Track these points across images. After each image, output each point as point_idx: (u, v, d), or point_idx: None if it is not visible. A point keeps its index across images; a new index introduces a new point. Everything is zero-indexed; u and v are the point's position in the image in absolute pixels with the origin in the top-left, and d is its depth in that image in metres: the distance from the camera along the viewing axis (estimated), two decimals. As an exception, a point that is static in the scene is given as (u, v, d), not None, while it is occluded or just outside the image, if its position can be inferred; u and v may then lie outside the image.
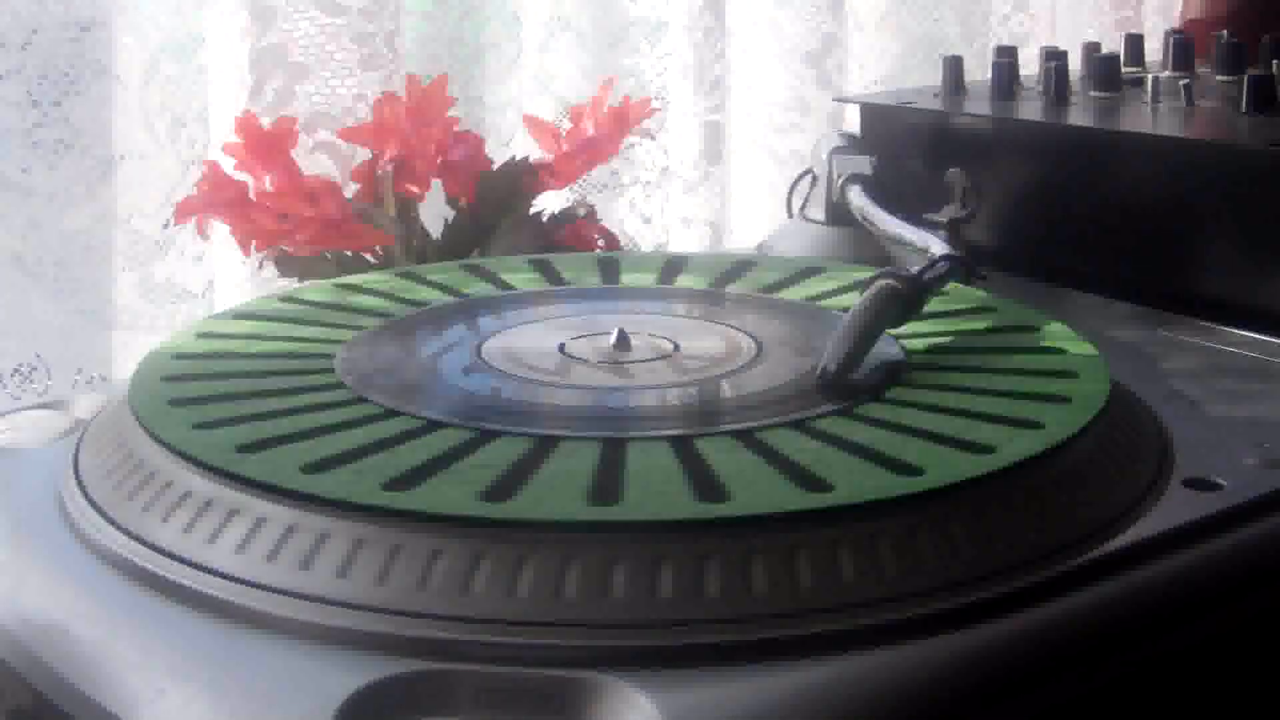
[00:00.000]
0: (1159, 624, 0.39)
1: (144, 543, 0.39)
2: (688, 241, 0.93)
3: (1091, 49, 0.81)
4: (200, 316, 0.69)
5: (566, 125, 0.73)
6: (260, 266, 0.69)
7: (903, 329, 0.51)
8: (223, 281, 0.74)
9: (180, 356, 0.49)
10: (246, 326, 0.52)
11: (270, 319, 0.53)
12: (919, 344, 0.50)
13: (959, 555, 0.37)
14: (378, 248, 0.66)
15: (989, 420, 0.43)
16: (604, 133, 0.70)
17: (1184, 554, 0.40)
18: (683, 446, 0.41)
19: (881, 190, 0.67)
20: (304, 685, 0.33)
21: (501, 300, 0.56)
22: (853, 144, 0.70)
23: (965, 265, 0.56)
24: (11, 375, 0.69)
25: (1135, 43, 0.83)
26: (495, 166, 0.69)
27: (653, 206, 0.93)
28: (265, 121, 0.66)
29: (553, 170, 0.70)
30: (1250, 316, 0.59)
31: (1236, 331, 0.58)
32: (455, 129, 0.67)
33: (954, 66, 0.77)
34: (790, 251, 0.68)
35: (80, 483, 0.42)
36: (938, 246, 0.57)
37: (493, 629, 0.34)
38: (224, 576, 0.37)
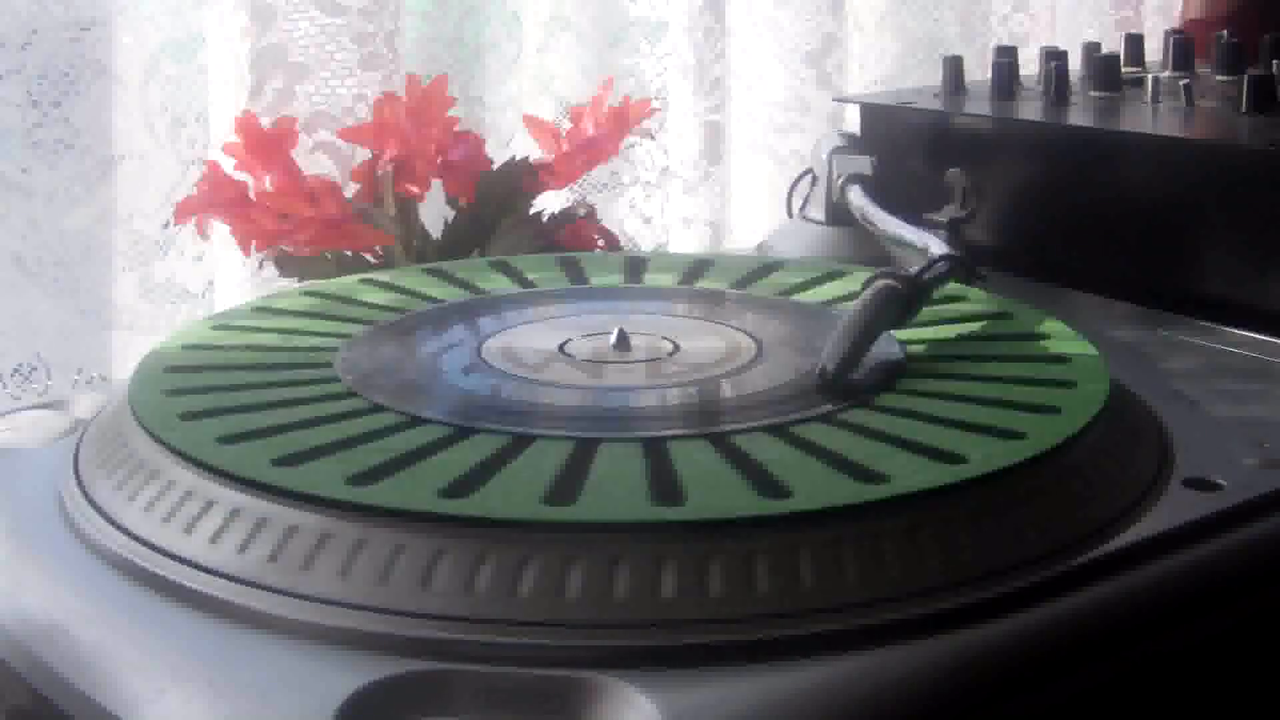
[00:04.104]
0: (1159, 624, 0.39)
1: (144, 543, 0.39)
2: (688, 241, 0.93)
3: (1091, 49, 0.81)
4: (200, 316, 0.69)
5: (566, 125, 0.73)
6: (260, 266, 0.69)
7: (902, 329, 0.51)
8: (223, 281, 0.74)
9: (180, 356, 0.49)
10: (246, 326, 0.52)
11: (270, 319, 0.53)
12: (918, 343, 0.50)
13: (959, 555, 0.37)
14: (378, 248, 0.66)
15: (988, 419, 0.43)
16: (604, 133, 0.70)
17: (1184, 554, 0.40)
18: (696, 445, 0.41)
19: (881, 190, 0.67)
20: (304, 685, 0.33)
21: (500, 301, 0.56)
22: (853, 144, 0.70)
23: (965, 265, 0.56)
24: (11, 375, 0.69)
25: (1135, 43, 0.83)
26: (495, 166, 0.69)
27: (653, 206, 0.93)
28: (265, 121, 0.66)
29: (553, 170, 0.70)
30: (1250, 316, 0.59)
31: (1236, 331, 0.58)
32: (455, 129, 0.67)
33: (954, 66, 0.77)
34: (790, 251, 0.68)
35: (80, 483, 0.42)
36: (937, 246, 0.57)
37: (493, 629, 0.34)
38: (224, 576, 0.37)
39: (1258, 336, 0.58)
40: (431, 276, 0.58)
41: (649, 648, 0.34)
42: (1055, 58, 0.75)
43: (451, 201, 0.68)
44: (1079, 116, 0.70)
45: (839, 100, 0.90)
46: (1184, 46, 0.79)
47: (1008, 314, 0.54)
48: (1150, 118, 0.69)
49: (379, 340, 0.51)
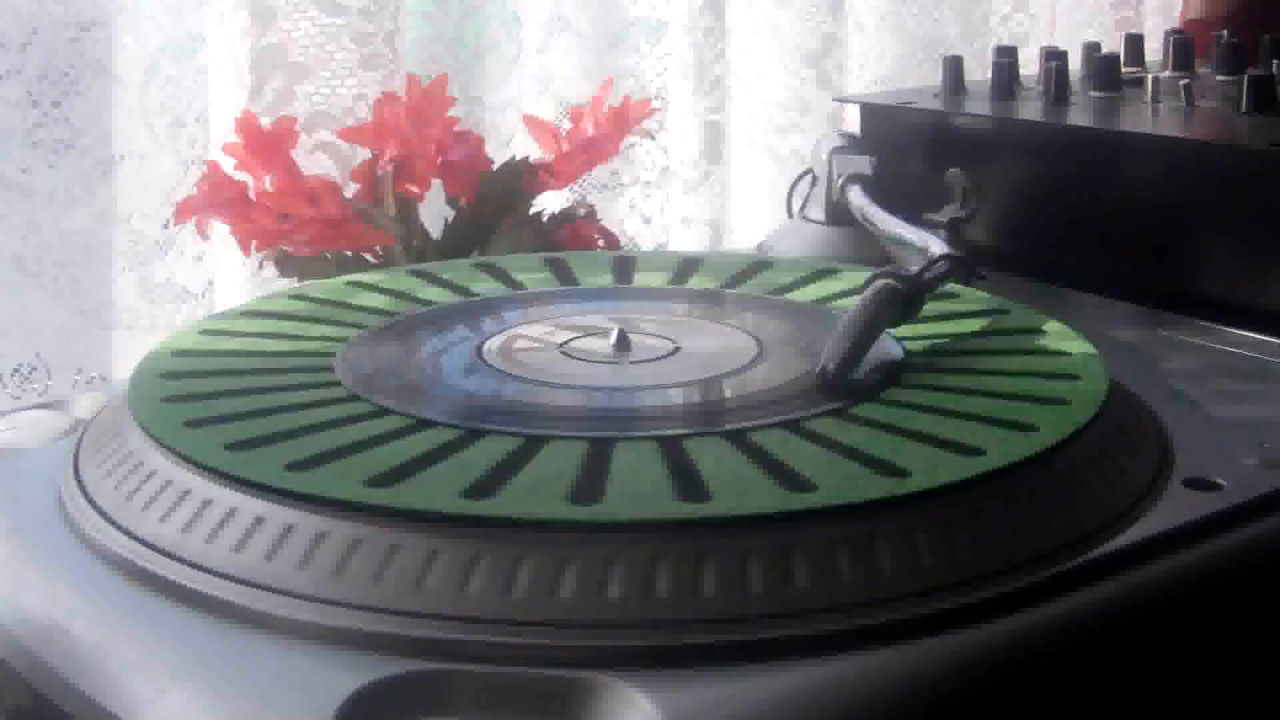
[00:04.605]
0: (1159, 624, 0.39)
1: (144, 543, 0.39)
2: (688, 241, 0.93)
3: (1091, 49, 0.81)
4: (200, 316, 0.69)
5: (566, 125, 0.73)
6: (260, 266, 0.69)
7: (902, 328, 0.51)
8: (223, 281, 0.74)
9: (179, 356, 0.49)
10: (246, 327, 0.52)
11: (269, 320, 0.53)
12: (918, 343, 0.50)
13: (959, 555, 0.37)
14: (378, 248, 0.66)
15: (987, 420, 0.43)
16: (604, 133, 0.70)
17: (1184, 554, 0.40)
18: (685, 445, 0.41)
19: (881, 190, 0.67)
20: (304, 685, 0.33)
21: (499, 302, 0.56)
22: (853, 144, 0.70)
23: (965, 265, 0.56)
24: (11, 375, 0.69)
25: (1135, 43, 0.83)
26: (495, 166, 0.69)
27: (653, 206, 0.93)
28: (265, 121, 0.66)
29: (553, 170, 0.70)
30: (1250, 316, 0.59)
31: (1236, 331, 0.58)
32: (455, 129, 0.67)
33: (954, 66, 0.77)
34: (790, 251, 0.68)
35: (80, 483, 0.42)
36: (937, 246, 0.57)
37: (493, 629, 0.34)
38: (224, 576, 0.37)
39: (1258, 336, 0.58)
40: (418, 279, 0.58)
41: (649, 648, 0.34)
42: (1055, 58, 0.75)
43: (451, 201, 0.68)
44: (1079, 116, 0.70)
45: (839, 100, 0.90)
46: (1184, 46, 0.79)
47: (1008, 314, 0.54)
48: (1150, 118, 0.69)
49: (377, 343, 0.51)
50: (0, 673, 0.38)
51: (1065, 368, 0.48)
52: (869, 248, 0.66)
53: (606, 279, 0.59)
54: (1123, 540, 0.40)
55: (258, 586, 0.36)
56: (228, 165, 0.65)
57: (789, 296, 0.56)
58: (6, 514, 0.43)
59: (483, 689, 0.33)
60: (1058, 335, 0.51)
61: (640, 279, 0.59)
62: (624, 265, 0.60)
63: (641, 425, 0.44)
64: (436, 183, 0.67)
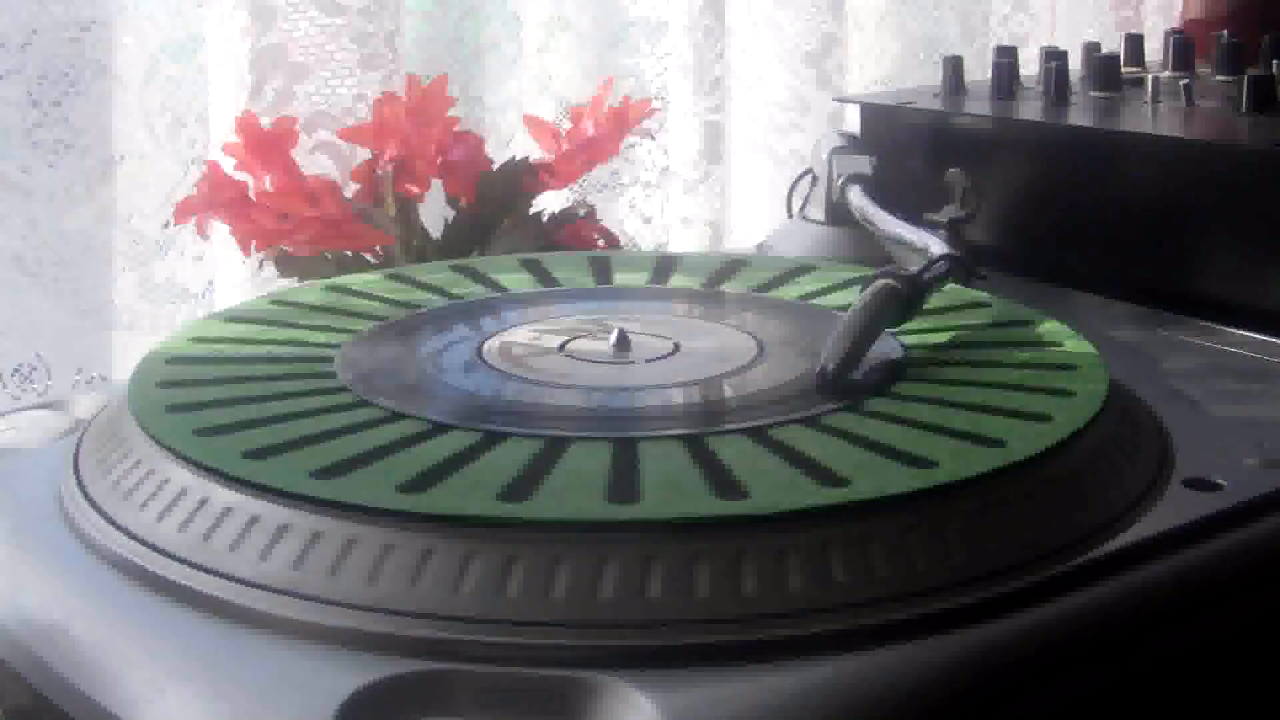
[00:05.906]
0: (1159, 624, 0.39)
1: (144, 543, 0.39)
2: (688, 241, 0.93)
3: (1091, 49, 0.81)
4: (200, 316, 0.69)
5: (566, 125, 0.73)
6: (260, 266, 0.69)
7: (902, 328, 0.51)
8: (223, 281, 0.74)
9: (179, 357, 0.49)
10: (245, 327, 0.52)
11: (268, 320, 0.53)
12: (919, 344, 0.50)
13: (958, 555, 0.37)
14: (378, 248, 0.66)
15: (988, 420, 0.43)
16: (604, 133, 0.70)
17: (1184, 554, 0.40)
18: (690, 445, 0.41)
19: (881, 190, 0.67)
20: (304, 685, 0.33)
21: (500, 301, 0.56)
22: (853, 144, 0.70)
23: (964, 265, 0.56)
24: (11, 375, 0.69)
25: (1135, 43, 0.83)
26: (495, 166, 0.69)
27: (653, 206, 0.93)
28: (265, 121, 0.66)
29: (553, 170, 0.70)
30: (1250, 316, 0.59)
31: (1236, 331, 0.58)
32: (455, 129, 0.67)
33: (954, 66, 0.77)
34: (790, 252, 0.68)
35: (80, 483, 0.42)
36: (937, 246, 0.57)
37: (493, 629, 0.34)
38: (224, 576, 0.37)
39: (1258, 336, 0.58)
40: (457, 274, 0.58)
41: (649, 648, 0.34)
42: (1055, 58, 0.75)
43: (451, 201, 0.68)
44: (1079, 116, 0.70)
45: (839, 100, 0.90)
46: (1184, 46, 0.79)
47: (1008, 314, 0.54)
48: (1150, 118, 0.69)
49: (381, 339, 0.51)
50: (0, 673, 0.38)
51: (1065, 367, 0.48)
52: (869, 248, 0.66)
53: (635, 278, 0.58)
54: (1123, 540, 0.40)
55: (257, 586, 0.36)
56: (228, 165, 0.65)
57: (773, 294, 0.56)
58: (6, 514, 0.43)
59: (483, 689, 0.33)
60: (1058, 335, 0.51)
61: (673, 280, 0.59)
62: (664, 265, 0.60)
63: (597, 425, 0.44)
64: (436, 183, 0.67)
